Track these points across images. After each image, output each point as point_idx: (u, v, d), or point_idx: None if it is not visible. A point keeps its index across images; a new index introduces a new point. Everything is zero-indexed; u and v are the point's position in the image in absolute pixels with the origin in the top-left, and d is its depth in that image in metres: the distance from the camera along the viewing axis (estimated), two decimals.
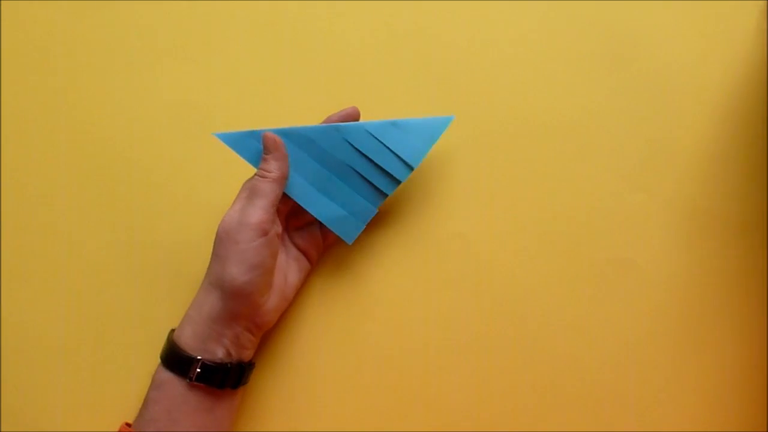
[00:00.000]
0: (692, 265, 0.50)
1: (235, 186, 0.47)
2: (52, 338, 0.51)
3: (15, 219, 0.53)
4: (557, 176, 0.51)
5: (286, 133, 0.47)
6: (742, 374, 0.48)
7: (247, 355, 0.46)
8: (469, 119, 0.52)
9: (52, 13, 0.56)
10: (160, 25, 0.56)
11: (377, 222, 0.51)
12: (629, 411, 0.48)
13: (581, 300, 0.50)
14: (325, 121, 0.48)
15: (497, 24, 0.54)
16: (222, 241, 0.44)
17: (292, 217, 0.49)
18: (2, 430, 0.50)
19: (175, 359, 0.44)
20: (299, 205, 0.48)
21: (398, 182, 0.48)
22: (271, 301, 0.46)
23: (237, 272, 0.43)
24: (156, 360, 0.45)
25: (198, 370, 0.43)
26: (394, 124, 0.48)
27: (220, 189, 0.52)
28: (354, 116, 0.49)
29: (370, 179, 0.48)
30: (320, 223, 0.49)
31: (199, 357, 0.43)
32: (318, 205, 0.48)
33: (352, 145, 0.47)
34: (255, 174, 0.46)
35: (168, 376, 0.44)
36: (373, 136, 0.47)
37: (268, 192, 0.44)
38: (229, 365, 0.44)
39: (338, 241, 0.50)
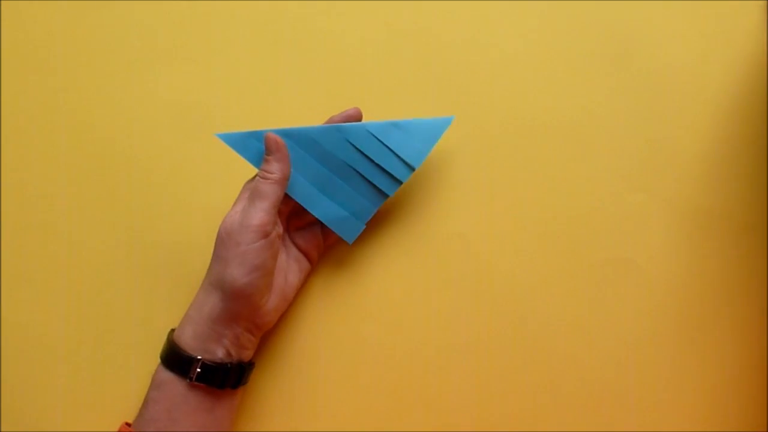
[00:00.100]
0: (692, 265, 0.50)
1: (235, 186, 0.47)
2: (52, 338, 0.51)
3: (15, 219, 0.53)
4: (557, 176, 0.51)
5: (287, 134, 0.47)
6: (742, 374, 0.48)
7: (247, 355, 0.46)
8: (470, 119, 0.52)
9: (52, 13, 0.56)
10: (160, 25, 0.56)
11: (378, 222, 0.51)
12: (629, 411, 0.48)
13: (581, 300, 0.50)
14: (327, 122, 0.48)
15: (498, 24, 0.54)
16: (223, 242, 0.44)
17: (293, 217, 0.49)
18: (2, 430, 0.50)
19: (175, 359, 0.44)
20: (300, 206, 0.48)
21: (399, 183, 0.48)
22: (272, 302, 0.46)
23: (238, 274, 0.43)
24: (156, 360, 0.45)
25: (198, 370, 0.43)
26: (395, 125, 0.48)
27: (220, 189, 0.52)
28: (356, 117, 0.49)
29: (371, 179, 0.48)
30: (321, 223, 0.49)
31: (199, 357, 0.43)
32: (319, 206, 0.48)
33: (353, 146, 0.47)
34: (256, 175, 0.46)
35: (168, 376, 0.44)
36: (375, 136, 0.47)
37: (270, 193, 0.44)
38: (229, 365, 0.44)
39: (339, 241, 0.50)
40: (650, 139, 0.51)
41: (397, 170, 0.48)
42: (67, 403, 0.50)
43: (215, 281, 0.44)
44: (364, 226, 0.49)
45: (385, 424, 0.49)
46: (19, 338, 0.51)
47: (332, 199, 0.48)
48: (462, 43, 0.54)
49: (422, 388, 0.49)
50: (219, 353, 0.44)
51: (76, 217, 0.53)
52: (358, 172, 0.48)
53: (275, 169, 0.45)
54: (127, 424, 0.45)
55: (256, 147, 0.47)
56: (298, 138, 0.47)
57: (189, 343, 0.44)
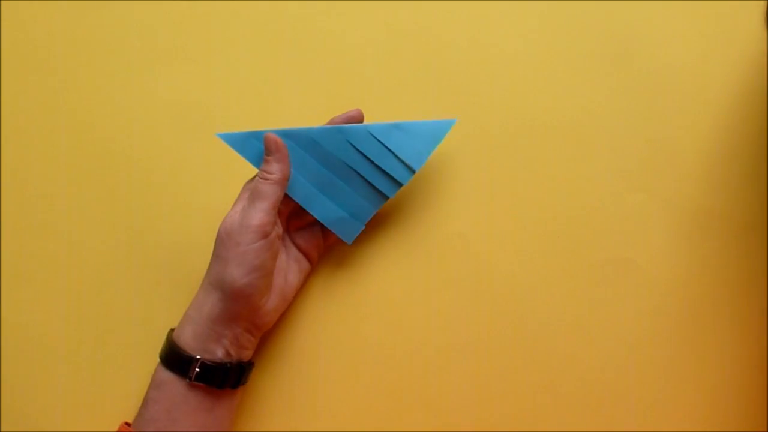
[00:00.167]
0: (692, 265, 0.50)
1: (235, 186, 0.47)
2: (52, 338, 0.51)
3: (15, 219, 0.53)
4: (557, 176, 0.51)
5: (288, 134, 0.47)
6: (742, 374, 0.48)
7: (246, 355, 0.46)
8: (469, 119, 0.52)
9: (52, 13, 0.56)
10: (160, 25, 0.56)
11: (377, 222, 0.51)
12: (629, 411, 0.48)
13: (581, 300, 0.50)
14: (328, 123, 0.48)
15: (498, 24, 0.54)
16: (223, 243, 0.44)
17: (293, 217, 0.49)
18: (2, 430, 0.50)
19: (174, 359, 0.44)
20: (300, 206, 0.48)
21: (399, 185, 0.48)
22: (271, 302, 0.46)
23: (237, 274, 0.43)
24: (155, 360, 0.45)
25: (197, 369, 0.43)
26: (396, 127, 0.48)
27: (220, 189, 0.52)
28: (358, 118, 0.48)
29: (371, 181, 0.48)
30: (321, 223, 0.49)
31: (198, 357, 0.43)
32: (318, 206, 0.48)
33: (354, 147, 0.47)
34: (256, 175, 0.46)
35: (168, 375, 0.44)
36: (376, 138, 0.47)
37: (270, 194, 0.44)
38: (228, 365, 0.44)
39: (339, 241, 0.50)
40: (650, 139, 0.51)
41: (397, 172, 0.48)
42: (67, 403, 0.50)
43: (215, 281, 0.44)
44: (363, 227, 0.49)
45: (385, 424, 0.49)
46: (19, 338, 0.51)
47: (332, 200, 0.48)
48: (462, 43, 0.54)
49: (422, 388, 0.49)
50: (218, 353, 0.44)
51: (76, 217, 0.53)
52: (358, 173, 0.48)
53: (275, 169, 0.45)
54: (127, 424, 0.45)
55: (256, 147, 0.47)
56: (298, 138, 0.47)
57: (188, 343, 0.44)
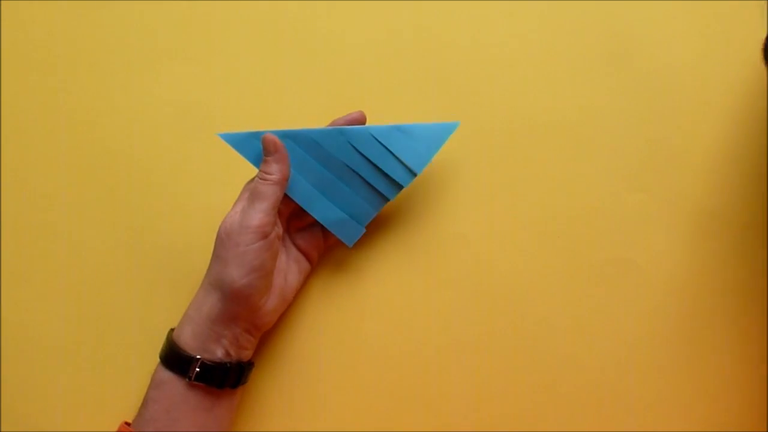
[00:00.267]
0: (692, 265, 0.50)
1: (235, 186, 0.47)
2: (52, 338, 0.51)
3: (15, 219, 0.53)
4: (557, 176, 0.51)
5: (289, 135, 0.47)
6: (742, 374, 0.48)
7: (246, 355, 0.46)
8: (470, 119, 0.52)
9: (52, 13, 0.56)
10: (160, 25, 0.56)
11: (378, 222, 0.51)
12: (629, 411, 0.48)
13: (581, 300, 0.50)
14: (330, 125, 0.48)
15: (498, 24, 0.54)
16: (223, 243, 0.44)
17: (293, 218, 0.49)
18: (2, 430, 0.50)
19: (174, 359, 0.44)
20: (301, 207, 0.48)
21: (401, 187, 0.48)
22: (271, 303, 0.46)
23: (237, 274, 0.43)
24: (155, 360, 0.45)
25: (197, 369, 0.43)
26: (398, 129, 0.47)
27: (220, 189, 0.52)
28: (360, 121, 0.48)
29: (372, 183, 0.48)
30: (321, 224, 0.49)
31: (198, 356, 0.43)
32: (319, 208, 0.48)
33: (355, 149, 0.47)
34: (256, 176, 0.46)
35: (167, 375, 0.44)
36: (377, 140, 0.47)
37: (269, 195, 0.44)
38: (228, 365, 0.44)
39: (339, 242, 0.50)
40: (650, 139, 0.51)
41: (398, 175, 0.48)
42: (67, 403, 0.50)
43: (214, 281, 0.44)
44: (365, 230, 0.49)
45: (384, 424, 0.49)
46: (19, 338, 0.51)
47: (333, 202, 0.48)
48: (462, 44, 0.54)
49: (422, 388, 0.49)
50: (218, 353, 0.44)
51: (76, 217, 0.53)
52: (359, 175, 0.48)
53: (274, 170, 0.45)
54: (127, 424, 0.45)
55: (257, 147, 0.47)
56: (299, 139, 0.47)
57: (188, 343, 0.44)
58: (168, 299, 0.51)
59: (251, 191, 0.45)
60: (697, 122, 0.51)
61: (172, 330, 0.46)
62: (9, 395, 0.50)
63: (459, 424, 0.49)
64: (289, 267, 0.48)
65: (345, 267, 0.51)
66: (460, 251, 0.51)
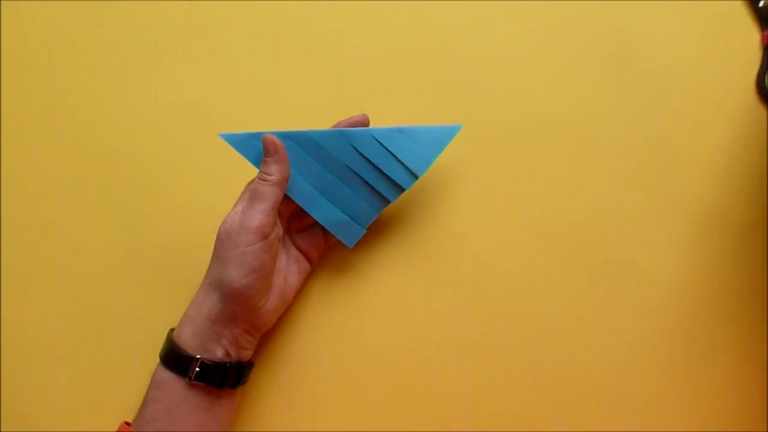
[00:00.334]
0: (692, 265, 0.50)
1: (235, 186, 0.47)
2: (52, 338, 0.51)
3: (15, 219, 0.53)
4: (558, 176, 0.51)
5: (290, 136, 0.47)
6: (742, 374, 0.48)
7: (246, 355, 0.46)
8: (470, 119, 0.52)
9: (52, 13, 0.56)
10: (160, 25, 0.56)
11: (378, 223, 0.51)
12: (629, 411, 0.48)
13: (581, 300, 0.50)
14: (333, 127, 0.48)
15: (498, 25, 0.54)
16: (222, 243, 0.44)
17: (294, 218, 0.49)
18: (2, 430, 0.50)
19: (174, 358, 0.44)
20: (301, 207, 0.48)
21: (402, 189, 0.48)
22: (270, 303, 0.46)
23: (236, 275, 0.43)
24: (155, 360, 0.45)
25: (197, 369, 0.43)
26: (400, 131, 0.47)
27: (220, 189, 0.52)
28: (363, 123, 0.48)
29: (374, 185, 0.48)
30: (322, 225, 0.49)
31: (198, 356, 0.43)
32: (320, 209, 0.48)
33: (357, 151, 0.47)
34: (256, 177, 0.46)
35: (167, 375, 0.44)
36: (379, 142, 0.47)
37: (269, 195, 0.44)
38: (228, 365, 0.44)
39: (339, 242, 0.50)
40: (650, 139, 0.51)
41: (400, 177, 0.48)
42: (67, 403, 0.50)
43: (214, 281, 0.44)
44: (365, 231, 0.49)
45: (384, 425, 0.49)
46: (19, 338, 0.51)
47: (333, 203, 0.48)
48: (462, 44, 0.54)
49: (422, 388, 0.49)
50: (218, 353, 0.44)
51: (76, 217, 0.53)
52: (360, 177, 0.48)
53: (274, 171, 0.45)
54: (127, 424, 0.45)
55: (258, 148, 0.46)
56: (301, 140, 0.47)
57: (188, 343, 0.44)
58: (167, 299, 0.51)
59: (251, 192, 0.45)
60: (697, 122, 0.51)
61: (172, 330, 0.46)
62: (9, 395, 0.50)
63: (459, 424, 0.49)
64: (289, 267, 0.48)
65: (345, 268, 0.51)
66: (460, 252, 0.51)
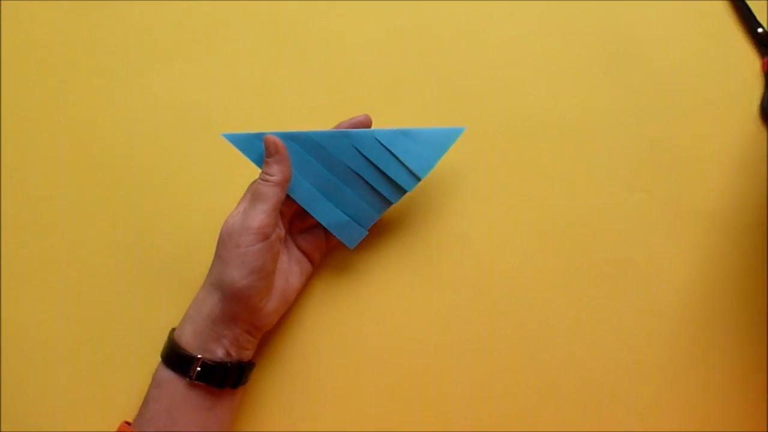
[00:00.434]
0: (692, 265, 0.50)
1: (235, 186, 0.48)
2: (52, 338, 0.51)
3: (15, 219, 0.53)
4: (558, 176, 0.51)
5: (293, 137, 0.46)
6: (742, 374, 0.48)
7: (246, 355, 0.46)
8: (470, 119, 0.52)
9: (52, 13, 0.56)
10: (160, 25, 0.56)
11: (379, 224, 0.50)
12: (629, 411, 0.48)
13: (581, 300, 0.50)
14: (336, 128, 0.48)
15: (498, 25, 0.54)
16: (224, 243, 0.44)
17: (296, 219, 0.49)
18: (2, 430, 0.50)
19: (175, 358, 0.44)
20: (303, 208, 0.48)
21: (404, 192, 0.48)
22: (271, 304, 0.46)
23: (237, 275, 0.43)
24: (155, 360, 0.45)
25: (198, 369, 0.43)
26: (403, 133, 0.47)
27: (219, 189, 0.52)
28: (365, 124, 0.48)
29: (376, 187, 0.48)
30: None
31: (199, 356, 0.43)
32: (322, 210, 0.48)
33: (360, 152, 0.47)
34: (258, 177, 0.46)
35: (168, 374, 0.44)
36: (382, 144, 0.47)
37: (270, 196, 0.44)
38: (229, 364, 0.44)
39: (341, 243, 0.49)
40: (650, 139, 0.51)
41: (402, 179, 0.47)
42: (67, 403, 0.50)
43: (215, 281, 0.44)
44: (367, 232, 0.49)
45: (385, 425, 0.49)
46: (19, 338, 0.51)
47: (335, 204, 0.48)
48: (462, 44, 0.54)
49: (423, 389, 0.49)
50: (219, 353, 0.44)
51: (76, 217, 0.53)
52: (363, 178, 0.47)
53: (275, 171, 0.45)
54: (127, 423, 0.45)
55: (261, 148, 0.46)
56: (303, 141, 0.47)
57: (189, 342, 0.44)
58: (167, 299, 0.51)
59: (253, 192, 0.45)
60: (697, 122, 0.51)
61: (173, 329, 0.46)
62: (9, 395, 0.50)
63: (459, 424, 0.49)
64: (290, 268, 0.48)
65: (347, 268, 0.51)
66: (461, 252, 0.51)
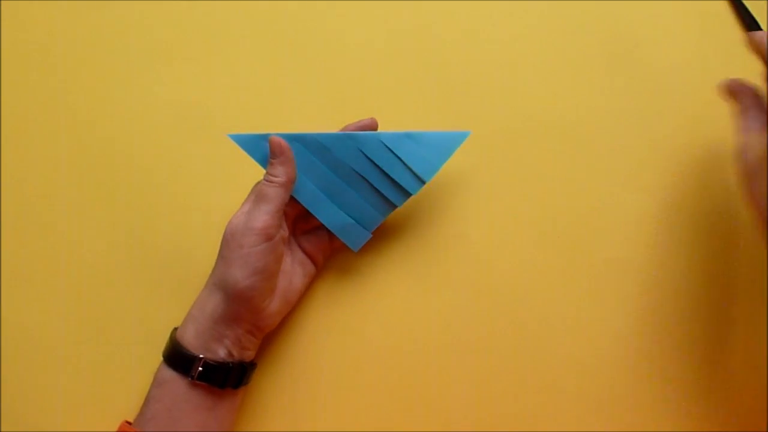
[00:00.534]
0: (692, 265, 0.50)
1: (235, 186, 0.48)
2: (52, 338, 0.51)
3: (15, 219, 0.53)
4: (557, 176, 0.52)
5: (298, 138, 0.46)
6: (742, 374, 0.48)
7: (248, 355, 0.46)
8: (470, 120, 0.52)
9: (52, 13, 0.56)
10: (160, 25, 0.56)
11: (383, 227, 0.50)
12: (629, 411, 0.48)
13: (581, 300, 0.50)
14: (342, 130, 0.48)
15: (497, 25, 0.54)
16: (228, 243, 0.44)
17: (300, 220, 0.49)
18: (2, 430, 0.50)
19: (177, 357, 0.44)
20: (307, 210, 0.48)
21: (409, 195, 0.48)
22: (274, 305, 0.46)
23: (240, 276, 0.43)
24: (156, 360, 0.45)
25: (200, 368, 0.43)
26: (409, 136, 0.47)
27: (220, 189, 0.52)
28: (371, 127, 0.48)
29: (380, 190, 0.47)
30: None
31: (201, 356, 0.43)
32: (326, 212, 0.48)
33: (365, 155, 0.47)
34: (262, 178, 0.46)
35: (170, 374, 0.44)
36: (387, 147, 0.47)
37: (274, 197, 0.44)
38: (230, 365, 0.44)
39: (345, 245, 0.49)
40: (650, 139, 0.52)
41: (407, 182, 0.47)
42: (67, 403, 0.50)
43: (218, 281, 0.44)
44: (370, 235, 0.49)
45: (386, 425, 0.49)
46: (19, 338, 0.51)
47: (339, 206, 0.48)
48: (462, 45, 0.54)
49: (425, 391, 0.49)
50: (220, 353, 0.44)
51: (76, 217, 0.53)
52: (367, 181, 0.47)
53: (279, 172, 0.45)
54: (128, 423, 0.44)
55: (266, 149, 0.46)
56: (308, 143, 0.47)
57: (191, 342, 0.44)
58: (166, 298, 0.51)
59: (257, 193, 0.45)
60: (697, 122, 0.51)
61: (175, 329, 0.46)
62: (9, 395, 0.50)
63: (459, 424, 0.49)
64: (293, 269, 0.48)
65: (350, 271, 0.51)
66: (465, 255, 0.51)
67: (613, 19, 0.53)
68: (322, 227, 0.49)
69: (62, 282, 0.52)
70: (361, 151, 0.47)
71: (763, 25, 0.52)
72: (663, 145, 0.51)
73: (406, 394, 0.49)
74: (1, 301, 0.52)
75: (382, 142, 0.47)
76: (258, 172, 0.47)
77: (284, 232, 0.46)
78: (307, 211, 0.48)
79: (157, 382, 0.44)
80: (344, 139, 0.47)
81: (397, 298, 0.50)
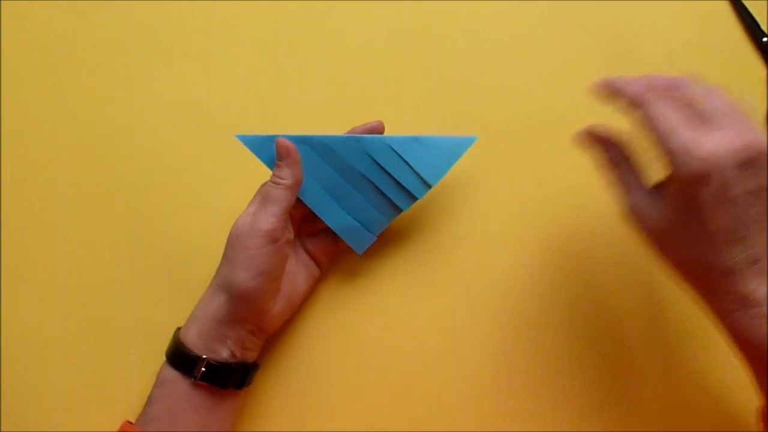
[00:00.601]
0: None
1: (236, 186, 0.48)
2: (53, 338, 0.51)
3: (15, 219, 0.53)
4: (557, 176, 0.52)
5: (305, 140, 0.46)
6: (742, 374, 0.48)
7: (251, 356, 0.46)
8: (471, 120, 0.52)
9: (52, 13, 0.56)
10: (160, 25, 0.56)
11: (388, 230, 0.50)
12: (629, 411, 0.48)
13: (581, 300, 0.50)
14: (349, 133, 0.48)
15: (497, 26, 0.54)
16: (233, 245, 0.44)
17: (305, 222, 0.49)
18: (2, 430, 0.50)
19: (180, 358, 0.44)
20: (313, 212, 0.48)
21: (415, 199, 0.48)
22: (278, 307, 0.46)
23: (244, 277, 0.43)
24: (157, 360, 0.45)
25: (203, 369, 0.43)
26: (416, 140, 0.47)
27: (220, 189, 0.52)
28: (378, 130, 0.48)
29: (386, 193, 0.47)
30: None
31: (204, 356, 0.43)
32: (331, 214, 0.48)
33: (371, 158, 0.47)
34: (269, 179, 0.46)
35: (172, 374, 0.44)
36: (394, 150, 0.47)
37: (281, 199, 0.44)
38: (233, 365, 0.44)
39: (350, 248, 0.49)
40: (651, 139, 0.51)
41: (413, 186, 0.47)
42: (67, 403, 0.50)
43: (222, 282, 0.44)
44: (375, 238, 0.49)
45: (387, 426, 0.49)
46: (19, 338, 0.51)
47: (345, 209, 0.48)
48: (462, 45, 0.54)
49: (427, 393, 0.49)
50: (223, 353, 0.44)
51: (76, 217, 0.53)
52: (373, 184, 0.47)
53: (286, 174, 0.45)
54: (129, 423, 0.44)
55: (273, 150, 0.46)
56: (315, 145, 0.46)
57: (194, 342, 0.44)
58: (166, 299, 0.51)
59: (263, 195, 0.45)
60: None
61: (178, 329, 0.46)
62: (9, 395, 0.50)
63: (459, 424, 0.49)
64: (298, 271, 0.48)
65: (354, 274, 0.51)
66: (469, 260, 0.51)
67: (613, 19, 0.53)
68: (327, 230, 0.49)
69: (62, 282, 0.52)
70: (368, 154, 0.47)
71: (763, 25, 0.52)
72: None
73: (409, 396, 0.49)
74: (1, 301, 0.52)
75: (390, 146, 0.47)
76: (259, 171, 0.46)
77: (290, 234, 0.46)
78: (313, 214, 0.48)
79: (159, 382, 0.44)
80: (351, 141, 0.47)
81: (400, 301, 0.50)
